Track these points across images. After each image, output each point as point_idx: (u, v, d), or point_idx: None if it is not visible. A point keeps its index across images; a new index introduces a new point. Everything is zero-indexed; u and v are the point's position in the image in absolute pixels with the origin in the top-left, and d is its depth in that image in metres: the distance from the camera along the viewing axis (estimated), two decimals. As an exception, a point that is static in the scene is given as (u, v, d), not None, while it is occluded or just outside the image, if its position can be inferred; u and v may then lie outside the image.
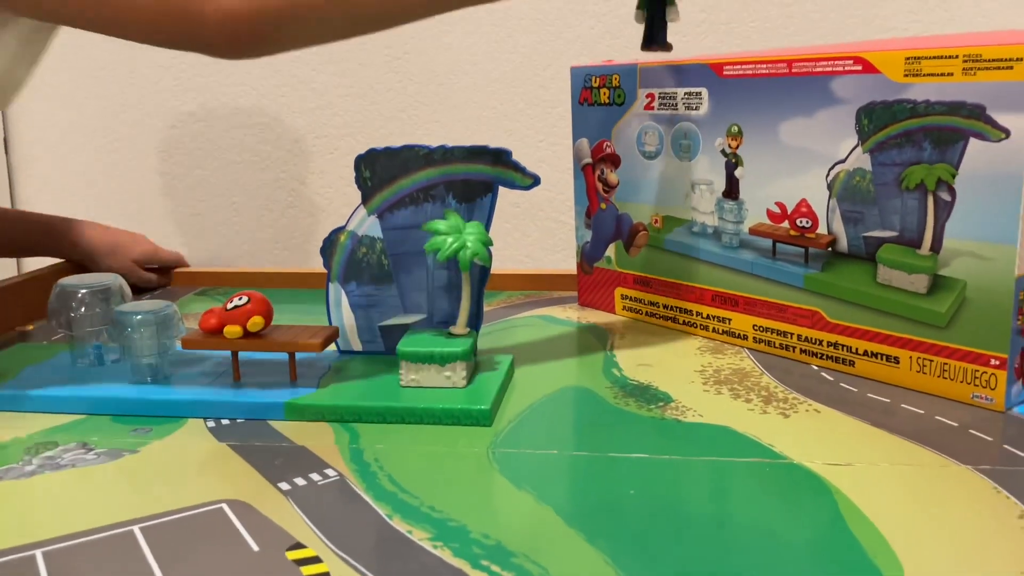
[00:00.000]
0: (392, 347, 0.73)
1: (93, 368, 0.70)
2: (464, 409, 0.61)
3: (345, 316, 0.73)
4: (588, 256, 0.91)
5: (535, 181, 0.70)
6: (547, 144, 1.36)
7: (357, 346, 0.73)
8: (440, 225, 0.65)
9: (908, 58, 0.62)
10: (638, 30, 1.31)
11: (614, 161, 0.85)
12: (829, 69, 0.67)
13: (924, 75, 0.62)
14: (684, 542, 0.46)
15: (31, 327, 0.88)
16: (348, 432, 0.61)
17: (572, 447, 0.58)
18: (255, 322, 0.63)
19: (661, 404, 0.65)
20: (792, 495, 0.51)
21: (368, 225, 0.71)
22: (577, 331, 0.85)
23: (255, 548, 0.46)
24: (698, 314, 0.81)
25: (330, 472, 0.55)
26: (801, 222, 0.71)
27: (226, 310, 0.64)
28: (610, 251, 0.88)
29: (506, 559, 0.44)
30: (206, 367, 0.69)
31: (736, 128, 0.74)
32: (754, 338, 0.76)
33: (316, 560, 0.45)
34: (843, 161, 0.67)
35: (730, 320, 0.78)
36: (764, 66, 0.71)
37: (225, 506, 0.50)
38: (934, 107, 0.61)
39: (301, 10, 0.65)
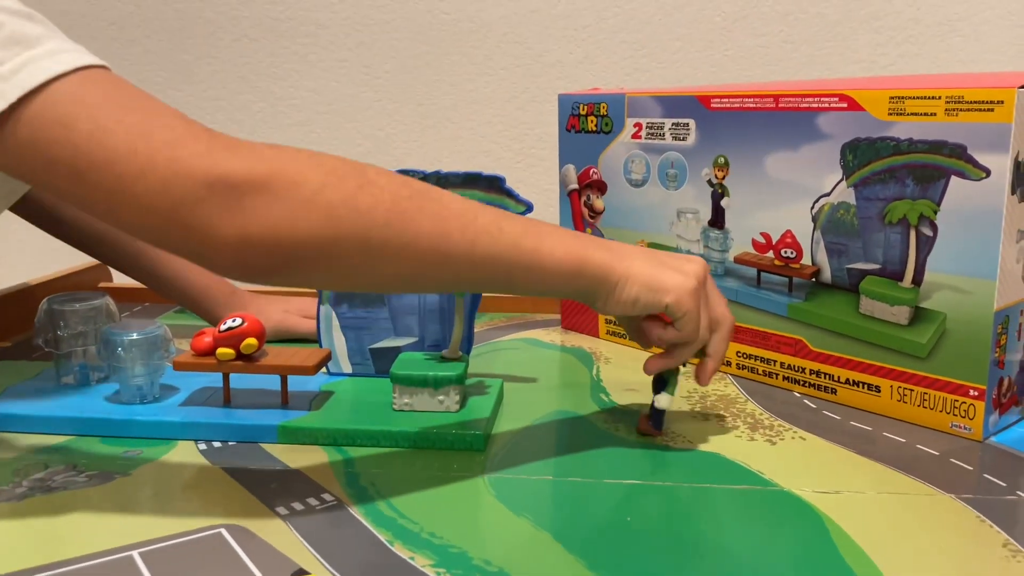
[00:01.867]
0: (383, 370, 0.73)
1: (79, 387, 0.69)
2: (459, 435, 0.62)
3: (336, 338, 0.73)
4: (572, 280, 0.92)
5: (528, 208, 0.71)
6: (524, 166, 1.38)
7: (347, 368, 0.73)
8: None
9: (892, 97, 0.64)
10: (620, 58, 1.33)
11: (600, 188, 0.87)
12: (815, 105, 0.69)
13: (908, 114, 0.64)
14: (684, 569, 0.47)
15: (8, 343, 0.87)
16: (342, 455, 0.61)
17: (566, 472, 0.59)
18: (248, 344, 0.63)
19: (650, 430, 0.66)
20: (783, 522, 0.52)
21: (360, 248, 0.71)
22: (562, 355, 0.86)
23: (258, 574, 0.46)
24: (681, 340, 0.82)
25: (327, 497, 0.55)
26: (786, 252, 0.72)
27: (219, 332, 0.64)
28: (594, 276, 0.89)
29: (510, 586, 0.45)
30: (195, 388, 0.69)
31: (723, 159, 0.76)
32: (737, 364, 0.78)
33: (321, 586, 0.45)
34: (828, 194, 0.69)
35: (713, 347, 0.79)
36: (751, 100, 0.73)
37: (224, 531, 0.50)
38: (917, 145, 0.63)
39: (338, 250, 0.50)
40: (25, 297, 0.92)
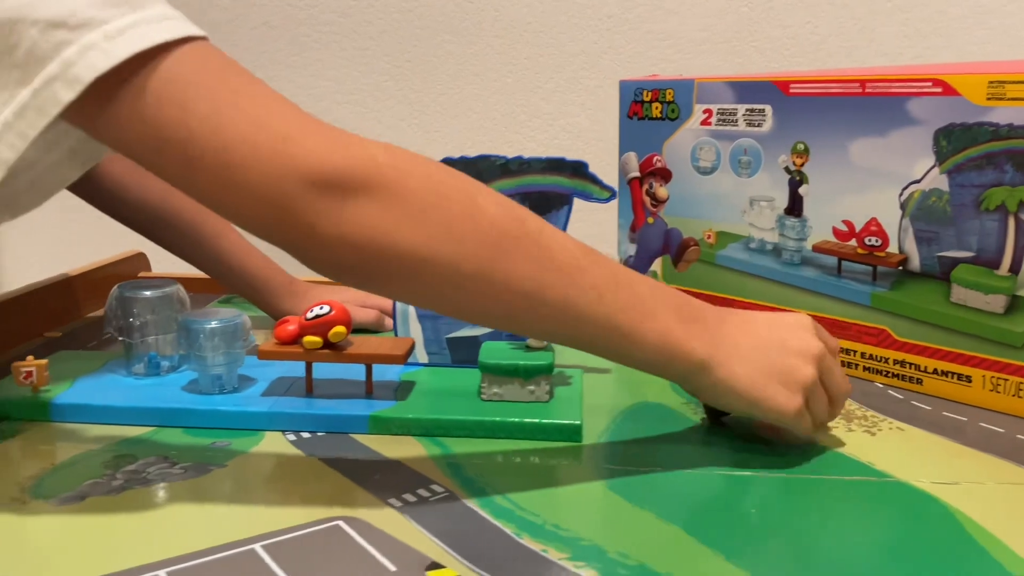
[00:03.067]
0: (460, 359, 0.71)
1: (151, 377, 0.67)
2: (556, 425, 0.60)
3: (412, 328, 0.71)
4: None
5: (612, 194, 0.69)
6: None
7: (424, 358, 0.72)
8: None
9: (992, 82, 0.63)
10: (645, 48, 1.32)
11: (664, 175, 0.85)
12: (906, 90, 0.68)
13: (1008, 99, 0.63)
14: (825, 561, 0.46)
15: (59, 333, 0.84)
16: (437, 446, 0.59)
17: (672, 464, 0.57)
18: (337, 332, 0.61)
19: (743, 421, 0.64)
20: (911, 513, 0.51)
21: (440, 234, 0.69)
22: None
23: (392, 567, 0.44)
24: (752, 330, 0.81)
25: (436, 488, 0.53)
26: (870, 240, 0.71)
27: (306, 319, 0.62)
28: (655, 265, 0.88)
29: (656, 580, 0.43)
30: (272, 378, 0.67)
31: (802, 146, 0.74)
32: (813, 355, 0.77)
33: (461, 581, 0.43)
34: (918, 181, 0.68)
35: (787, 337, 0.78)
36: (835, 85, 0.72)
37: (342, 523, 0.48)
38: (1018, 131, 0.62)
39: (428, 271, 0.49)
40: (66, 288, 0.89)
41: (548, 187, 0.69)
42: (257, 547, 0.46)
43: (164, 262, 1.15)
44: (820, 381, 0.56)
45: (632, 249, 0.90)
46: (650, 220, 0.87)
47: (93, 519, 0.48)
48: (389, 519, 0.49)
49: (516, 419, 0.60)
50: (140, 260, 1.04)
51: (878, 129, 0.70)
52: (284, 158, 0.46)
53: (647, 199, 0.87)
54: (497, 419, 0.60)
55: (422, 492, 0.52)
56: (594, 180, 0.69)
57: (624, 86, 0.88)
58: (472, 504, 0.51)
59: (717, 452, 0.59)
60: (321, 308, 0.62)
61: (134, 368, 0.67)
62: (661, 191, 0.86)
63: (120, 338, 0.66)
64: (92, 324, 0.89)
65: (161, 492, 0.52)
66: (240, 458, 0.57)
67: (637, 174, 0.88)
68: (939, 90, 0.66)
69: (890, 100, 0.69)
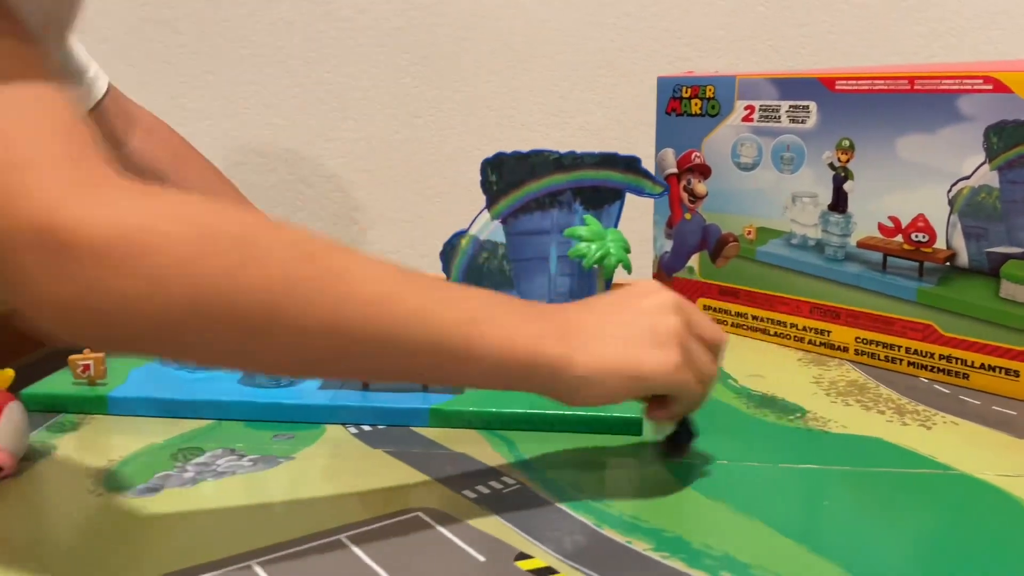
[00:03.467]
0: (509, 354, 0.71)
1: (201, 371, 0.66)
2: (618, 418, 0.60)
3: (463, 321, 0.71)
4: (667, 266, 0.90)
5: (665, 189, 0.70)
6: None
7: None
8: (582, 231, 0.64)
9: (1044, 79, 0.64)
10: (662, 46, 1.32)
11: (703, 171, 0.86)
12: (956, 87, 0.68)
13: (1061, 96, 0.63)
14: (906, 553, 0.46)
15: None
16: (499, 439, 0.59)
17: (737, 457, 0.57)
18: None
19: (797, 415, 0.65)
20: (981, 506, 0.51)
21: (491, 230, 0.69)
22: (666, 341, 0.84)
23: (481, 558, 0.44)
24: (793, 325, 0.81)
25: (508, 480, 0.53)
26: (917, 236, 0.72)
27: None
28: (692, 261, 0.88)
29: (744, 570, 0.44)
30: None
31: (847, 142, 0.75)
32: (856, 350, 0.77)
33: (551, 572, 0.43)
34: (967, 178, 0.69)
35: (829, 332, 0.79)
36: (882, 82, 0.72)
37: (421, 514, 0.49)
38: (1071, 128, 0.63)
39: (201, 332, 0.41)
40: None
41: (600, 182, 0.69)
42: (343, 537, 0.46)
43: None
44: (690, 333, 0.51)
45: (668, 245, 0.90)
46: (687, 216, 0.88)
47: (174, 511, 0.48)
48: (468, 511, 0.49)
49: (577, 412, 0.60)
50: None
51: (927, 126, 0.70)
52: (8, 194, 0.37)
53: (685, 195, 0.88)
54: (559, 412, 0.60)
55: (494, 484, 0.53)
56: (646, 175, 0.69)
57: (662, 82, 0.88)
58: (546, 496, 0.51)
59: (777, 446, 0.60)
60: None
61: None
62: (700, 187, 0.86)
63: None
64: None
65: (235, 484, 0.52)
66: (306, 451, 0.57)
67: (674, 170, 0.88)
68: (990, 87, 0.67)
69: (940, 97, 0.69)
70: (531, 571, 0.43)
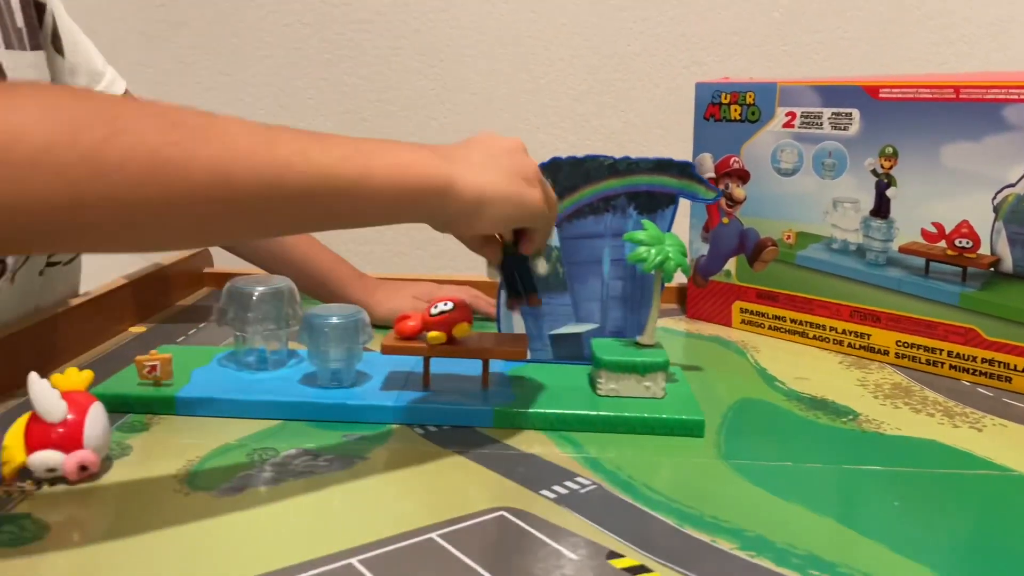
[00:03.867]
0: (561, 355, 0.72)
1: (262, 372, 0.67)
2: (681, 420, 0.61)
3: (516, 324, 0.72)
4: (703, 269, 0.92)
5: (718, 194, 0.71)
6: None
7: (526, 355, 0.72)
8: (641, 236, 0.65)
9: (1092, 90, 0.65)
10: (677, 51, 1.34)
11: (742, 176, 0.87)
12: (1003, 96, 0.70)
13: (1108, 106, 0.65)
14: (985, 552, 0.47)
15: (144, 328, 0.84)
16: (564, 440, 0.60)
17: (800, 458, 0.59)
18: (461, 328, 0.62)
19: (850, 418, 0.66)
20: (1046, 506, 0.53)
21: (547, 232, 0.70)
22: (705, 344, 0.85)
23: (573, 556, 0.45)
24: (832, 329, 0.82)
25: (583, 481, 0.54)
26: (960, 242, 0.73)
27: (430, 315, 0.62)
28: (730, 265, 0.89)
29: (832, 569, 0.45)
30: (384, 373, 0.67)
31: (891, 149, 0.76)
32: (896, 353, 0.79)
33: (645, 570, 0.44)
34: (1013, 185, 0.70)
35: (870, 336, 0.80)
36: (927, 90, 0.74)
37: (505, 513, 0.49)
38: (1118, 137, 0.65)
39: (81, 216, 0.41)
40: (151, 282, 0.89)
41: (655, 187, 0.70)
42: (435, 536, 0.47)
43: (223, 258, 1.15)
44: None
45: (704, 249, 0.91)
46: (725, 220, 0.89)
47: (262, 509, 0.49)
48: (551, 510, 0.50)
49: (641, 414, 0.61)
50: (203, 256, 1.04)
51: (972, 134, 0.72)
52: None
53: (722, 200, 0.89)
54: (623, 414, 0.61)
55: (570, 484, 0.53)
56: (700, 180, 0.70)
57: (700, 88, 0.89)
58: (623, 496, 0.52)
59: (836, 447, 0.61)
60: (445, 304, 0.62)
61: (244, 361, 0.68)
62: (738, 192, 0.87)
63: (236, 333, 0.66)
64: (172, 318, 0.89)
65: (317, 483, 0.52)
66: (379, 450, 0.57)
67: (712, 175, 0.89)
68: (1037, 97, 0.68)
69: (985, 106, 0.71)
70: (625, 569, 0.44)
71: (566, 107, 1.38)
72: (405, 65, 1.37)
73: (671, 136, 1.36)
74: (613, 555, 0.45)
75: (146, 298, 0.88)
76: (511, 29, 1.33)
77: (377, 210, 0.50)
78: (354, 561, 0.44)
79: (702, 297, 0.93)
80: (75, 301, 0.77)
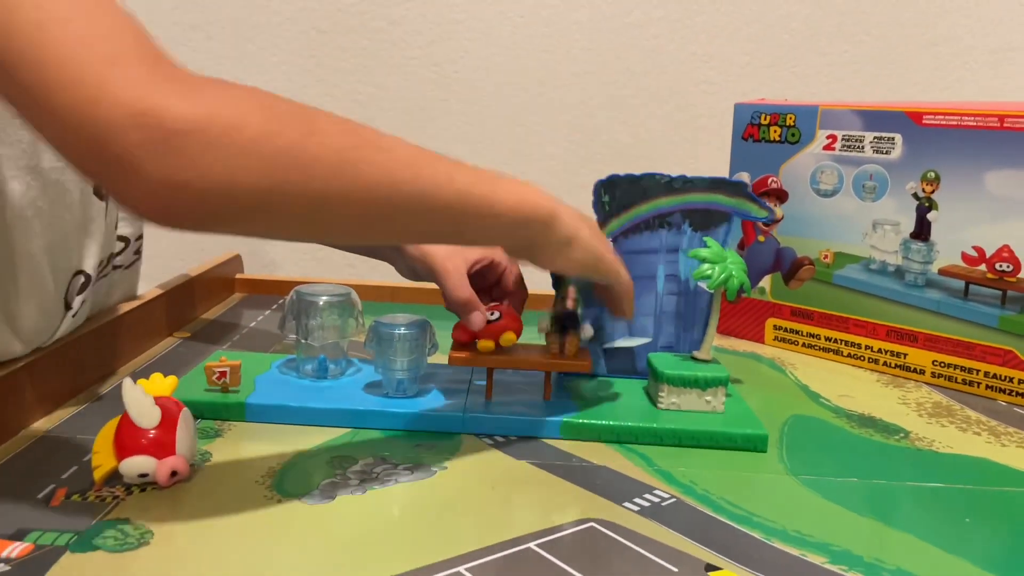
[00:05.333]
0: (615, 368, 0.74)
1: (325, 380, 0.68)
2: (746, 434, 0.63)
3: (572, 336, 0.73)
4: (736, 286, 0.93)
5: (771, 213, 0.72)
6: (588, 170, 1.38)
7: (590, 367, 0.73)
8: (705, 253, 0.66)
9: None
10: (689, 68, 1.36)
11: (780, 196, 0.89)
12: (1047, 126, 0.72)
13: None
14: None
15: (188, 334, 0.84)
16: (633, 453, 0.61)
17: (864, 475, 0.60)
18: (507, 337, 0.63)
19: (901, 435, 0.68)
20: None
21: (605, 247, 0.71)
22: (743, 360, 0.87)
23: (673, 568, 0.46)
24: (868, 347, 0.84)
25: (661, 494, 0.55)
26: (1001, 266, 0.75)
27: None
28: (764, 282, 0.91)
29: (922, 582, 0.46)
30: (443, 381, 0.68)
31: (933, 174, 0.78)
32: (932, 372, 0.81)
33: (745, 581, 0.45)
34: (1055, 212, 0.72)
35: (906, 355, 0.82)
36: (971, 118, 0.76)
37: (595, 525, 0.50)
38: None
39: (279, 201, 0.45)
40: (187, 290, 0.89)
41: (710, 205, 0.71)
42: (532, 546, 0.47)
43: (253, 265, 1.15)
44: None
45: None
46: (761, 238, 0.91)
47: (357, 517, 0.50)
48: (634, 522, 0.51)
49: (707, 428, 0.63)
50: (234, 263, 1.04)
51: (1015, 162, 0.74)
52: (103, 84, 0.40)
53: (758, 218, 0.90)
54: (690, 428, 0.62)
55: (650, 497, 0.54)
56: (753, 199, 0.71)
57: (740, 109, 0.91)
58: (704, 509, 0.53)
59: (895, 464, 0.62)
60: (492, 314, 0.63)
61: (304, 369, 0.68)
62: (776, 211, 0.89)
63: (302, 340, 0.67)
64: (208, 324, 0.89)
65: (402, 492, 0.53)
66: (455, 461, 0.58)
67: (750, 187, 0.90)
68: (1081, 128, 0.70)
69: (1029, 135, 0.73)
70: (726, 581, 0.45)
71: (577, 121, 1.39)
72: (419, 75, 1.37)
73: (681, 152, 1.38)
74: (711, 567, 0.46)
75: (181, 305, 0.88)
76: (526, 43, 1.35)
77: (493, 231, 0.55)
78: (462, 569, 0.44)
79: (734, 313, 0.94)
80: (126, 307, 0.76)
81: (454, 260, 0.69)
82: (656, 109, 1.39)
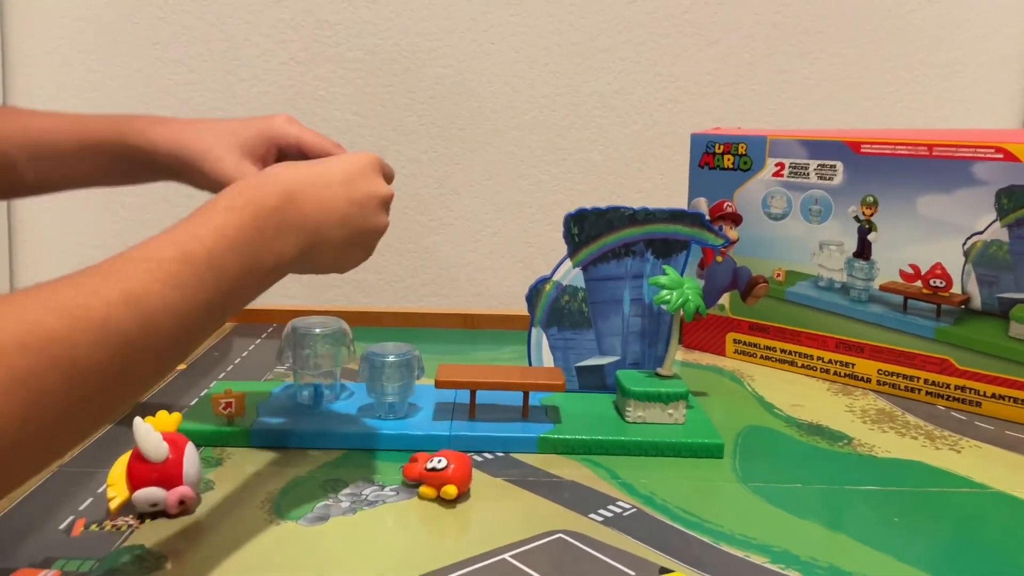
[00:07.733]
0: (586, 385, 0.80)
1: (320, 405, 0.73)
2: (704, 443, 0.69)
3: (545, 357, 0.79)
4: (698, 303, 1.00)
5: (726, 241, 0.79)
6: (561, 190, 1.44)
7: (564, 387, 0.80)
8: (663, 280, 0.73)
9: (1049, 151, 0.75)
10: (655, 89, 1.42)
11: (735, 219, 0.95)
12: (971, 155, 0.79)
13: (1063, 166, 0.74)
14: (988, 564, 0.56)
15: (184, 365, 0.90)
16: (599, 467, 0.67)
17: (807, 480, 0.67)
18: (448, 491, 0.69)
19: (845, 442, 0.74)
20: (1020, 521, 0.61)
21: (572, 276, 0.78)
22: (704, 373, 0.93)
23: (631, 572, 0.52)
24: (819, 358, 0.91)
25: (623, 504, 0.61)
26: (935, 282, 0.82)
27: (424, 469, 0.69)
28: (723, 300, 0.98)
29: (850, 577, 0.52)
30: (431, 405, 0.74)
31: (872, 198, 0.85)
32: (878, 381, 0.87)
33: (694, 581, 0.51)
34: (981, 233, 0.79)
35: (854, 365, 0.89)
36: (904, 147, 0.83)
37: (564, 535, 0.56)
38: (1072, 193, 0.74)
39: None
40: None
41: (670, 235, 0.78)
42: (507, 557, 0.53)
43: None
44: None
45: (700, 284, 0.99)
46: (719, 259, 0.97)
47: (349, 537, 0.55)
48: (602, 532, 0.57)
49: (669, 439, 0.69)
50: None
51: (943, 187, 0.81)
52: None
53: (716, 240, 0.97)
54: (653, 439, 0.69)
55: (613, 508, 0.61)
56: (710, 228, 0.78)
57: (696, 139, 0.98)
58: (661, 517, 0.59)
59: (837, 470, 0.69)
60: (439, 461, 0.61)
61: (301, 395, 0.74)
62: (731, 233, 0.96)
63: (298, 369, 0.73)
64: (206, 355, 0.94)
65: (390, 512, 0.59)
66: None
67: (708, 217, 0.97)
68: (1001, 156, 0.77)
69: (955, 163, 0.80)
70: (678, 582, 0.51)
71: (549, 142, 1.45)
72: (396, 102, 1.43)
73: (649, 170, 1.44)
74: (665, 570, 0.53)
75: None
76: (497, 69, 1.41)
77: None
78: (447, 580, 0.50)
79: (698, 328, 1.01)
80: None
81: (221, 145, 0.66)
82: (624, 128, 1.45)
